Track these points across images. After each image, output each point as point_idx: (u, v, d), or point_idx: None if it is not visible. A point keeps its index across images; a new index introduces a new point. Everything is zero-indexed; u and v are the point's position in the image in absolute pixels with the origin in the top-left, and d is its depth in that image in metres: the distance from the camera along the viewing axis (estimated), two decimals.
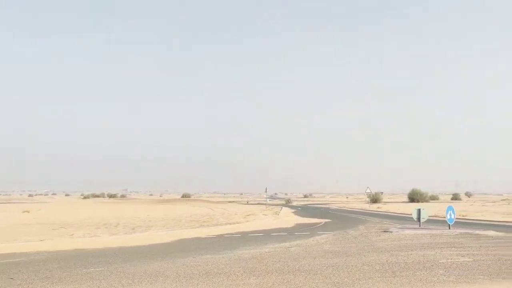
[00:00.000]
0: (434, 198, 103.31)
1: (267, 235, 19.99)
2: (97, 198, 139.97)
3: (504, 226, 25.02)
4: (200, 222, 27.43)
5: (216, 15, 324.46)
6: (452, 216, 20.52)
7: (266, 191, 64.45)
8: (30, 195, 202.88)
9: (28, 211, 43.90)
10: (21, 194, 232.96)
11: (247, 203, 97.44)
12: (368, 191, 62.32)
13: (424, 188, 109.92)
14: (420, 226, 22.08)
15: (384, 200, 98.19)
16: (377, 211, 49.92)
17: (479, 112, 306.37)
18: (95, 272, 10.21)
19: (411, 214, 24.05)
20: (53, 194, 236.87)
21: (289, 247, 14.77)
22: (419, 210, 22.38)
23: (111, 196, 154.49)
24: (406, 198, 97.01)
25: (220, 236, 19.58)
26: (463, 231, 19.80)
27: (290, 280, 9.16)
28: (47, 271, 10.36)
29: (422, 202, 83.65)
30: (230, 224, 26.17)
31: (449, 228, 20.14)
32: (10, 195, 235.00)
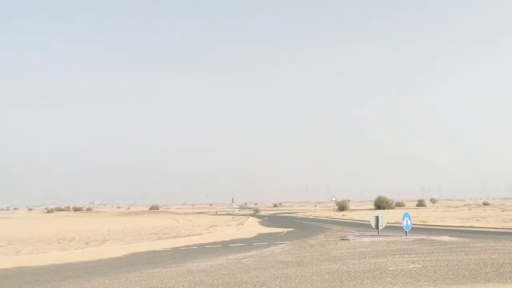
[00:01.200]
0: (400, 205, 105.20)
1: (224, 247, 19.62)
2: (61, 212, 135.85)
3: (460, 231, 25.51)
4: (160, 235, 26.78)
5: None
6: (409, 223, 20.71)
7: (232, 201, 64.06)
8: None
9: None
10: None
11: (216, 214, 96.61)
12: (334, 199, 62.62)
13: (392, 195, 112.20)
14: (378, 233, 22.19)
15: (352, 207, 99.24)
16: (341, 219, 50.26)
17: (445, 121, 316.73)
18: None
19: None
20: (15, 208, 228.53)
21: (242, 259, 14.46)
22: (377, 217, 22.51)
23: (76, 209, 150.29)
24: (373, 206, 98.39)
25: (176, 249, 19.08)
26: (418, 237, 19.99)
27: None
28: None
29: (388, 209, 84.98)
30: (190, 236, 25.65)
31: (406, 235, 20.30)
32: None
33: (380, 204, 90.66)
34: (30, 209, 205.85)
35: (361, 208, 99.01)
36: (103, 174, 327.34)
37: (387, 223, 27.92)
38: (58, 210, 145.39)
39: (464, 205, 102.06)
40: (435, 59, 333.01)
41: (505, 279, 9.73)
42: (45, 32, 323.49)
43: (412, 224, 31.99)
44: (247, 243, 21.12)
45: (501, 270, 10.85)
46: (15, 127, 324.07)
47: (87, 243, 21.46)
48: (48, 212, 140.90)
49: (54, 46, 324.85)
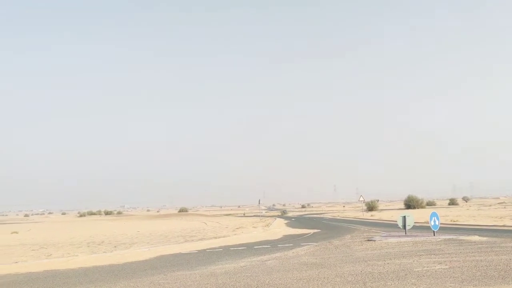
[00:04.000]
0: (431, 204, 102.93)
1: (249, 248, 19.64)
2: (93, 216, 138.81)
3: (492, 230, 24.77)
4: (186, 237, 27.04)
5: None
6: (437, 222, 20.25)
7: (259, 203, 64.03)
8: (26, 215, 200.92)
9: (16, 232, 43.34)
10: (17, 214, 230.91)
11: (244, 216, 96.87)
12: (362, 199, 61.91)
13: (423, 194, 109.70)
14: (405, 233, 21.78)
15: (381, 207, 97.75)
16: (369, 219, 49.56)
17: (477, 120, 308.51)
18: None
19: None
20: (50, 213, 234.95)
21: (266, 261, 14.45)
22: (404, 217, 22.09)
23: (108, 213, 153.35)
24: (403, 205, 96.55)
25: (201, 251, 19.21)
26: (447, 237, 19.53)
27: None
28: None
29: (418, 208, 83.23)
30: (216, 238, 25.79)
31: (434, 235, 19.86)
32: (6, 215, 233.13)
33: (410, 204, 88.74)
34: (63, 213, 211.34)
35: (391, 208, 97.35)
36: (133, 178, 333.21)
37: (416, 223, 27.43)
38: (90, 214, 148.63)
39: (498, 203, 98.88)
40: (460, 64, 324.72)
41: None
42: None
43: (442, 224, 31.37)
44: (272, 245, 21.08)
45: None
46: (55, 138, 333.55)
47: (115, 246, 21.86)
48: (81, 216, 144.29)
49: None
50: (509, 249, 14.84)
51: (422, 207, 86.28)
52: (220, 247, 20.83)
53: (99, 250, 20.40)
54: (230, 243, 22.90)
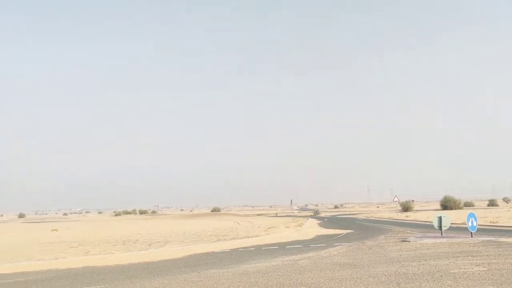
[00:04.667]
0: (469, 204, 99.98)
1: (281, 248, 19.66)
2: (128, 215, 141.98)
3: None
4: (219, 236, 27.30)
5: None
6: (474, 224, 19.69)
7: (291, 203, 63.89)
8: (64, 214, 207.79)
9: (56, 230, 44.86)
10: (56, 213, 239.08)
11: (276, 216, 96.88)
12: (396, 199, 60.78)
13: (461, 194, 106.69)
14: (441, 234, 21.27)
15: (416, 208, 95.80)
16: (404, 220, 48.62)
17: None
18: None
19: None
20: (87, 212, 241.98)
21: (298, 260, 14.43)
22: (440, 218, 21.57)
23: (142, 212, 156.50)
24: (439, 206, 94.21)
25: (234, 250, 19.37)
26: (485, 238, 18.95)
27: None
28: None
29: (455, 209, 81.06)
30: (248, 237, 25.93)
31: (471, 236, 19.31)
32: (46, 214, 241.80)
33: (447, 204, 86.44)
34: (100, 212, 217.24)
35: (427, 208, 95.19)
36: (167, 178, 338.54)
37: (453, 224, 26.75)
38: (126, 213, 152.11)
39: None
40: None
41: None
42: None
43: (481, 225, 30.46)
44: (305, 245, 21.03)
45: None
46: (92, 140, 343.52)
47: (150, 245, 22.32)
48: (116, 215, 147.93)
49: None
50: None
51: (460, 208, 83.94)
52: (252, 246, 20.94)
53: (134, 248, 20.87)
54: (262, 243, 22.98)
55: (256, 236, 26.48)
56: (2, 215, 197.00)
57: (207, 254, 18.15)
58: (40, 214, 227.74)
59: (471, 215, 20.00)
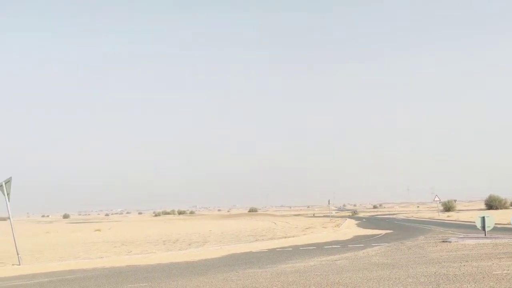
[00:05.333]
0: None
1: (319, 248, 19.67)
2: (167, 215, 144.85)
3: None
4: (257, 237, 27.56)
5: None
6: None
7: (329, 203, 63.41)
8: (106, 214, 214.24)
9: (99, 230, 46.45)
10: (98, 214, 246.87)
11: (313, 216, 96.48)
12: (436, 199, 59.31)
13: (508, 194, 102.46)
14: (485, 235, 20.68)
15: (459, 208, 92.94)
16: (446, 220, 47.40)
17: None
18: (139, 287, 10.62)
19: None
20: (128, 212, 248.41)
21: (336, 260, 14.45)
22: (483, 218, 20.96)
23: (181, 213, 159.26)
24: (483, 206, 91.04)
25: (271, 250, 19.55)
26: None
27: None
28: (95, 287, 10.94)
29: (501, 209, 78.14)
30: (286, 237, 26.05)
31: None
32: (89, 214, 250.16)
33: (492, 204, 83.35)
34: (140, 213, 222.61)
35: (470, 208, 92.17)
36: (205, 179, 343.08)
37: (498, 224, 25.93)
38: (165, 214, 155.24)
39: None
40: None
41: None
42: None
43: None
44: (342, 245, 20.95)
45: None
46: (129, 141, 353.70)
47: (189, 244, 22.82)
48: (156, 215, 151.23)
49: None
50: None
51: (506, 208, 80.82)
52: (289, 247, 21.05)
53: (174, 247, 21.41)
54: (299, 243, 23.05)
55: (293, 237, 26.57)
56: (48, 216, 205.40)
57: (245, 254, 18.41)
58: (83, 215, 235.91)
59: None
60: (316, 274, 11.53)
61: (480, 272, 10.88)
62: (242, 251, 19.51)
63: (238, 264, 14.79)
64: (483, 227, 20.78)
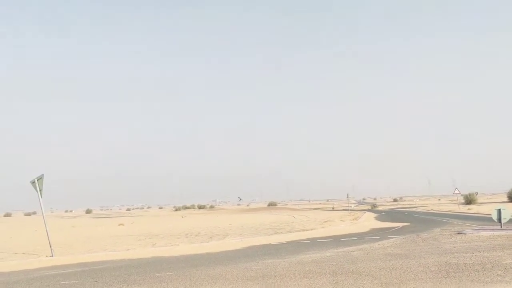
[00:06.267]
0: None
1: (336, 240, 20.26)
2: (187, 210, 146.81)
3: None
4: (275, 230, 28.25)
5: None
6: None
7: (347, 197, 63.91)
8: (128, 209, 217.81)
9: (123, 224, 47.82)
10: (120, 209, 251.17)
11: (333, 209, 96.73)
12: (456, 191, 59.01)
13: None
14: (501, 227, 20.96)
15: (482, 200, 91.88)
16: (466, 213, 47.31)
17: None
18: (165, 276, 11.41)
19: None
20: (148, 207, 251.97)
21: (351, 251, 15.04)
22: (499, 210, 21.25)
23: (201, 207, 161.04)
24: (506, 198, 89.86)
25: (290, 242, 20.22)
26: None
27: (340, 281, 9.60)
28: (125, 276, 11.78)
29: None
30: (304, 230, 26.68)
31: None
32: (111, 209, 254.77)
33: None
34: (160, 208, 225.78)
35: (492, 201, 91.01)
36: (224, 173, 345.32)
37: None
38: (185, 208, 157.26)
39: None
40: None
41: None
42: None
43: None
44: (359, 237, 21.49)
45: None
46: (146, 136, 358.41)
47: (210, 237, 23.65)
48: (176, 210, 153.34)
49: None
50: None
51: None
52: (307, 239, 21.69)
53: (196, 240, 22.26)
54: (317, 236, 23.65)
55: (311, 229, 27.18)
56: (72, 211, 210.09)
57: (265, 246, 19.12)
58: (105, 210, 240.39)
59: None
60: (332, 264, 12.15)
61: (490, 262, 11.35)
62: (262, 243, 20.23)
63: (258, 255, 15.50)
64: (499, 219, 21.07)
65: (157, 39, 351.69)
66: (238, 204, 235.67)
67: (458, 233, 20.00)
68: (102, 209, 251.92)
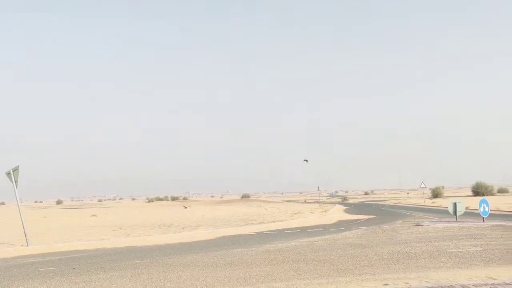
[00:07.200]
0: (503, 191, 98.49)
1: (303, 231, 21.32)
2: (160, 201, 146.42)
3: None
4: (247, 221, 29.16)
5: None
6: (486, 209, 20.81)
7: (319, 189, 65.44)
8: (99, 200, 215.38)
9: (95, 215, 47.94)
10: (91, 200, 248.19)
11: (305, 202, 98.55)
12: (423, 185, 61.33)
13: (499, 181, 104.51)
14: (456, 219, 22.45)
15: (448, 194, 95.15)
16: (430, 206, 49.38)
17: None
18: (139, 263, 12.14)
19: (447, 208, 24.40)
20: (121, 198, 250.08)
21: (315, 241, 16.07)
22: (455, 204, 22.75)
23: (174, 199, 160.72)
24: (471, 193, 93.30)
25: (259, 233, 21.16)
26: (495, 223, 20.07)
27: (301, 267, 10.54)
28: (101, 263, 12.45)
29: (487, 195, 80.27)
30: (274, 222, 27.66)
31: (483, 221, 20.45)
32: (82, 200, 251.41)
33: (479, 191, 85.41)
34: (133, 199, 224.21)
35: (458, 195, 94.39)
36: (198, 164, 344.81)
37: (473, 209, 27.67)
38: (158, 200, 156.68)
39: None
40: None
41: None
42: None
43: (505, 211, 31.26)
44: (325, 229, 22.61)
45: None
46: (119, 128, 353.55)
47: (183, 228, 24.37)
48: (149, 201, 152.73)
49: None
50: None
51: (492, 194, 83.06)
52: (276, 230, 22.68)
53: (169, 231, 22.95)
54: (286, 227, 24.69)
55: (281, 221, 28.19)
56: (42, 202, 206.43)
57: (235, 236, 20.01)
58: (76, 201, 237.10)
59: (483, 201, 21.15)
60: (295, 252, 13.13)
61: (437, 250, 12.54)
62: (232, 234, 21.11)
63: (228, 244, 16.37)
64: (455, 212, 22.56)
65: None
66: (212, 196, 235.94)
67: (416, 225, 21.35)
68: (73, 200, 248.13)
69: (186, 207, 67.25)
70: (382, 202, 75.60)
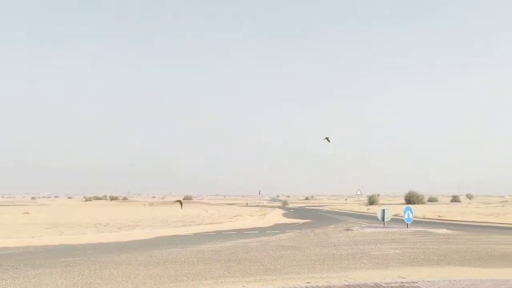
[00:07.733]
0: (433, 200, 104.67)
1: (239, 233, 21.82)
2: (99, 201, 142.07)
3: (467, 225, 26.73)
4: (185, 222, 29.28)
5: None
6: (410, 216, 22.34)
7: (259, 193, 66.28)
8: (33, 198, 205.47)
9: (28, 213, 45.94)
10: (24, 197, 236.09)
11: (246, 205, 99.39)
12: (359, 193, 63.84)
13: (430, 191, 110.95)
14: (384, 225, 23.86)
15: (383, 202, 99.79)
16: (364, 212, 51.65)
17: (489, 115, 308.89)
18: (71, 260, 12.07)
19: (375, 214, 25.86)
20: (56, 196, 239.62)
21: (249, 243, 16.61)
22: (383, 211, 24.19)
23: (113, 198, 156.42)
24: (404, 201, 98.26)
25: (196, 234, 21.41)
26: (418, 229, 21.62)
27: (232, 266, 10.99)
28: (31, 260, 12.25)
29: (418, 203, 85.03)
30: (212, 224, 28.00)
31: (407, 227, 21.94)
32: (14, 197, 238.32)
33: (411, 199, 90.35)
34: (69, 197, 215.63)
35: (392, 202, 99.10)
36: (140, 164, 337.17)
37: (400, 216, 29.44)
38: (96, 199, 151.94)
39: (501, 202, 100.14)
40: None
41: (463, 263, 11.48)
42: None
43: (429, 218, 33.54)
44: (261, 231, 23.24)
45: (466, 257, 12.57)
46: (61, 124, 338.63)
47: (119, 228, 24.13)
48: (86, 200, 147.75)
49: None
50: (463, 241, 16.93)
51: (423, 203, 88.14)
52: (214, 232, 23.04)
53: (105, 230, 22.66)
54: (224, 229, 25.10)
55: (220, 223, 28.58)
56: None
57: (172, 236, 20.14)
58: (7, 197, 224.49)
59: (407, 209, 22.68)
60: (228, 253, 13.58)
61: (361, 253, 13.47)
62: (170, 234, 21.21)
63: (163, 244, 16.52)
64: (383, 218, 23.98)
65: None
66: (153, 197, 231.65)
67: (347, 230, 22.51)
68: (3, 197, 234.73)
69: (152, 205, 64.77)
70: (321, 208, 77.94)
